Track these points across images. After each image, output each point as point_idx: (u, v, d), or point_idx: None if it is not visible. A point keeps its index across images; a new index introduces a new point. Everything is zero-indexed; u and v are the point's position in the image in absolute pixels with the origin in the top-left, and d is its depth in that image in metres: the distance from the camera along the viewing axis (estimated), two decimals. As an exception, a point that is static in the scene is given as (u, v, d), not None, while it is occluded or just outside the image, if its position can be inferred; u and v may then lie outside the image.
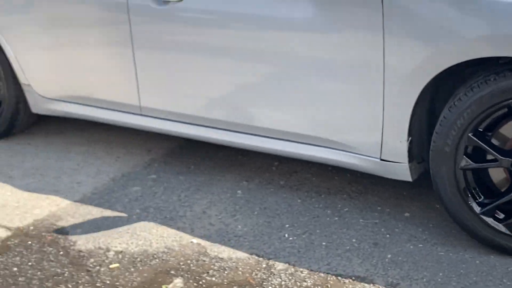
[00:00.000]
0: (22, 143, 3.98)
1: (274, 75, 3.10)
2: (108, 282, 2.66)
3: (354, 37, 2.75)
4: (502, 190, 2.65)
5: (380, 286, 2.54)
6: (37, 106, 3.96)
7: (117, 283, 2.65)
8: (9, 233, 3.03)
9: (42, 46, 3.78)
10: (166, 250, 2.84)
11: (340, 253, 2.77)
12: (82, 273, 2.72)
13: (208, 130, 3.38)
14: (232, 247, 2.83)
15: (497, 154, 2.49)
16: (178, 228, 2.99)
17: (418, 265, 2.65)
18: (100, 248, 2.87)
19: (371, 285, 2.54)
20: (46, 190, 3.42)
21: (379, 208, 3.12)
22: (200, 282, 2.63)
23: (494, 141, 2.59)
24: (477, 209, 2.57)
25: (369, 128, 2.86)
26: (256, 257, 2.77)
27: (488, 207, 2.57)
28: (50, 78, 3.85)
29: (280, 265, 2.70)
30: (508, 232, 2.56)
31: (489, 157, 2.63)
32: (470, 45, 2.50)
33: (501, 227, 2.57)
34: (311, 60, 2.93)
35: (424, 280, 2.54)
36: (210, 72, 3.26)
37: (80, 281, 2.67)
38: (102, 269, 2.74)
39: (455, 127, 2.53)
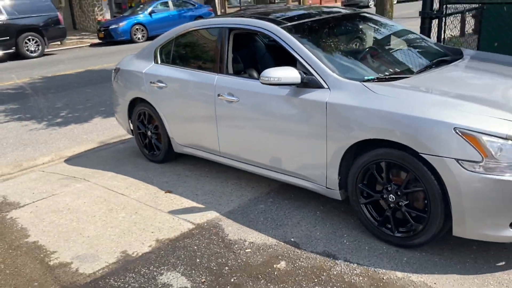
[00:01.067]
0: (205, 176, 4.29)
1: (275, 140, 3.43)
2: (244, 259, 2.92)
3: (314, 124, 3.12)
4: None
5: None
6: (176, 148, 4.45)
7: (247, 260, 2.90)
8: (193, 226, 3.39)
9: (176, 118, 4.25)
10: (275, 243, 3.05)
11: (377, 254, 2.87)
12: (231, 253, 3.00)
13: (248, 166, 3.77)
14: (314, 245, 3.01)
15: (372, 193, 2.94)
16: (283, 231, 3.19)
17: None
18: (240, 239, 3.16)
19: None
20: (214, 204, 3.69)
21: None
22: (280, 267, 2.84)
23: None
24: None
25: (320, 170, 3.18)
26: (325, 256, 2.91)
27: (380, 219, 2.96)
28: (180, 134, 4.30)
29: (341, 263, 2.85)
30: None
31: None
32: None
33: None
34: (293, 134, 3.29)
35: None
36: (251, 135, 3.60)
37: (229, 257, 2.96)
38: (241, 251, 3.01)
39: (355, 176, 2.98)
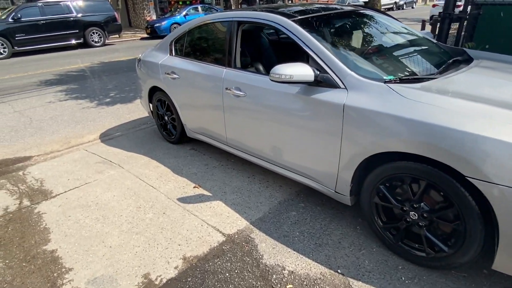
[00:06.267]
0: (231, 168, 2.81)
1: (282, 137, 2.17)
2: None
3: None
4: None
5: None
6: (189, 133, 3.12)
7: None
8: (223, 238, 2.05)
9: (187, 107, 2.91)
10: (321, 276, 1.72)
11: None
12: (269, 291, 1.68)
13: (253, 158, 2.49)
14: (366, 282, 1.67)
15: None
16: (325, 256, 1.85)
17: None
18: (277, 264, 1.81)
19: None
20: (243, 206, 2.32)
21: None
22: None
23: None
24: (380, 223, 1.81)
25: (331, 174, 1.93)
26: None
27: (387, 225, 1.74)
28: (191, 121, 2.98)
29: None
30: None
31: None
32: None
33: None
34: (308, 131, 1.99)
35: None
36: (257, 129, 2.31)
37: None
38: (281, 287, 1.67)
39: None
